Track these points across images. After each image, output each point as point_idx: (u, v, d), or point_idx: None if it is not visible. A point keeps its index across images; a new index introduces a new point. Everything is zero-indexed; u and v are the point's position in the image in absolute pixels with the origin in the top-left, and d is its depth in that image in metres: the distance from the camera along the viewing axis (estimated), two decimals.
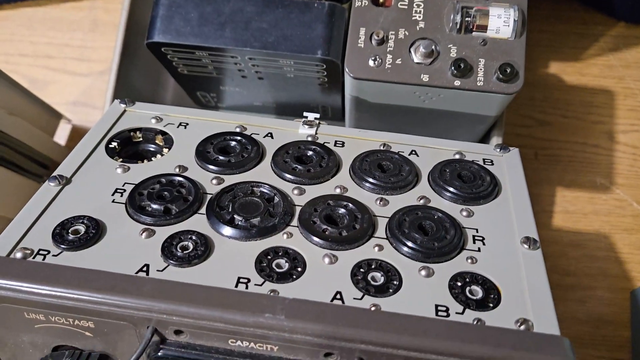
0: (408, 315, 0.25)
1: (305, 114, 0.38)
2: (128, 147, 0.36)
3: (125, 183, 0.32)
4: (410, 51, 0.38)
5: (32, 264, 0.26)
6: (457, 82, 0.37)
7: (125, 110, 0.38)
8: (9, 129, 0.47)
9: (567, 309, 0.51)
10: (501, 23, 0.38)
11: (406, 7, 0.39)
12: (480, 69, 0.37)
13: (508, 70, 0.37)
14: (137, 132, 0.37)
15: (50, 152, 0.53)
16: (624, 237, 0.53)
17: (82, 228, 0.29)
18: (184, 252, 0.28)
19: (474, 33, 0.38)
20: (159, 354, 0.26)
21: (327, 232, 0.29)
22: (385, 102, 0.41)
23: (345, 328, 0.24)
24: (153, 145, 0.37)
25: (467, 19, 0.38)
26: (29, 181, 0.50)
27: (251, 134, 0.36)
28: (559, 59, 0.58)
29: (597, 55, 0.58)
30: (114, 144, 0.35)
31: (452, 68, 0.37)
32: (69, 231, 0.29)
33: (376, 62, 0.38)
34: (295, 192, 0.32)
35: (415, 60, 0.38)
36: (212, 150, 0.35)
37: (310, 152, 0.35)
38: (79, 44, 0.62)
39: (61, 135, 0.57)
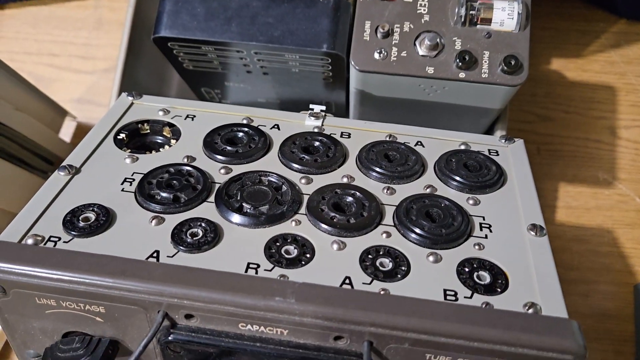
0: (417, 299, 0.25)
1: (311, 106, 0.39)
2: (136, 138, 0.37)
3: (134, 173, 0.32)
4: (415, 44, 0.38)
5: (43, 250, 0.27)
6: (462, 74, 0.38)
7: (132, 103, 0.38)
8: (15, 124, 0.48)
9: (570, 303, 0.51)
10: (505, 16, 0.38)
11: (411, 0, 0.39)
12: (485, 61, 0.38)
13: (513, 63, 0.37)
14: (145, 124, 0.37)
15: (55, 149, 0.54)
16: (627, 231, 0.53)
17: (92, 215, 0.29)
18: (194, 238, 0.28)
19: (478, 26, 0.38)
20: (170, 338, 0.26)
21: (335, 220, 0.30)
22: (390, 95, 0.41)
23: (355, 311, 0.24)
24: (161, 137, 0.37)
25: (471, 12, 0.38)
26: (33, 176, 0.50)
27: (258, 126, 0.37)
28: (560, 56, 0.58)
29: (598, 51, 0.58)
30: (122, 135, 0.36)
31: (457, 60, 0.38)
32: (80, 218, 0.29)
33: (381, 55, 0.38)
34: (303, 181, 0.33)
35: (420, 52, 0.38)
36: (219, 141, 0.35)
37: (317, 143, 0.35)
38: (84, 42, 0.62)
39: (66, 132, 0.57)
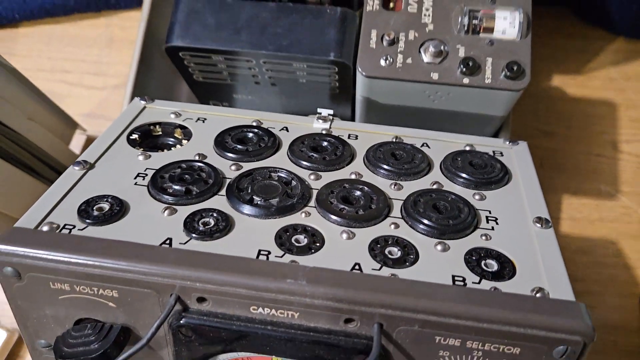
0: (427, 282, 0.25)
1: (319, 109, 0.40)
2: (148, 139, 0.37)
3: (146, 168, 0.33)
4: (420, 51, 0.40)
5: (59, 235, 0.27)
6: (466, 80, 0.39)
7: (145, 107, 0.39)
8: (27, 133, 0.49)
9: None
10: (507, 24, 0.39)
11: (415, 10, 0.40)
12: (488, 67, 0.39)
13: (515, 68, 0.38)
14: (157, 126, 0.38)
15: (65, 160, 0.54)
16: (631, 243, 0.53)
17: (106, 205, 0.30)
18: (206, 227, 0.29)
19: (481, 34, 0.40)
20: (182, 322, 0.26)
21: (344, 211, 0.30)
22: (395, 102, 0.42)
23: (365, 292, 0.25)
24: (172, 139, 0.38)
25: (474, 21, 0.40)
26: (42, 185, 0.51)
27: (267, 128, 0.38)
28: (561, 72, 0.60)
29: (598, 68, 0.59)
30: (135, 135, 0.36)
31: (461, 66, 0.39)
32: (94, 208, 0.29)
33: (387, 62, 0.39)
34: (312, 177, 0.33)
35: (425, 59, 0.39)
36: (230, 140, 0.36)
37: (325, 143, 0.36)
38: (95, 59, 0.64)
39: (76, 145, 0.58)
